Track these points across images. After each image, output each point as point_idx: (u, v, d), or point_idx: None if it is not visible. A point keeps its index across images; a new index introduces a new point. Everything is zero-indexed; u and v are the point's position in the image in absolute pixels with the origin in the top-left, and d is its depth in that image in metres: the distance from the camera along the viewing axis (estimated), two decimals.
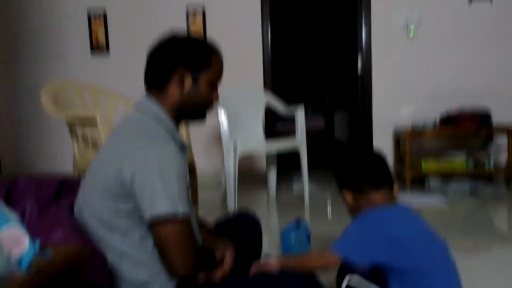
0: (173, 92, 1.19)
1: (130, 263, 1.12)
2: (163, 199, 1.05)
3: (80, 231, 1.13)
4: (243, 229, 1.52)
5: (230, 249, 1.25)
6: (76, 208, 1.22)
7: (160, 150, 1.08)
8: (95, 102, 2.71)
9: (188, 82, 1.19)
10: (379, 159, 1.30)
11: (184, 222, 1.09)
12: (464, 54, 3.88)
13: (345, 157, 1.37)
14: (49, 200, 1.31)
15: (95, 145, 2.46)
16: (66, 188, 1.41)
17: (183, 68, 1.18)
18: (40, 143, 4.37)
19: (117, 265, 1.12)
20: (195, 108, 1.24)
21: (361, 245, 1.16)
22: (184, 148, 1.22)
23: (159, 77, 1.20)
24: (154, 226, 1.07)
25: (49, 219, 1.18)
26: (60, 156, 4.23)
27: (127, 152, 1.09)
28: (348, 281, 1.21)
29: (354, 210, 1.28)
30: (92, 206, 1.14)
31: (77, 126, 2.47)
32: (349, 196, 1.29)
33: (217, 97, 1.27)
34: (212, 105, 1.27)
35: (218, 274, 1.19)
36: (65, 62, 4.25)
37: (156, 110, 1.19)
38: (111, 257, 1.12)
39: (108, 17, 4.17)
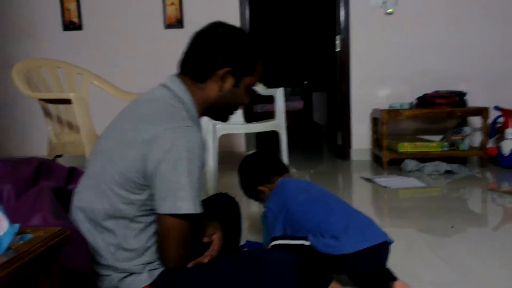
0: (211, 89, 1.16)
1: (127, 253, 1.10)
2: (186, 197, 1.02)
3: (60, 215, 1.10)
4: (221, 210, 1.51)
5: (219, 233, 1.25)
6: (78, 192, 1.16)
7: (188, 139, 1.03)
8: (70, 80, 2.63)
9: (229, 84, 1.17)
10: (273, 155, 1.72)
11: (195, 221, 1.07)
12: (441, 36, 3.92)
13: (249, 165, 1.68)
14: (26, 184, 1.26)
15: (70, 126, 2.39)
16: (44, 171, 1.36)
17: (229, 71, 1.15)
18: (12, 124, 4.24)
19: (111, 253, 1.10)
20: (225, 109, 1.23)
21: (277, 223, 1.46)
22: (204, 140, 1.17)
23: (200, 71, 1.15)
24: (166, 217, 1.04)
25: (28, 203, 1.14)
26: (33, 137, 4.13)
27: (153, 136, 1.03)
28: (274, 243, 1.41)
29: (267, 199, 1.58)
30: (102, 192, 1.08)
31: (52, 107, 2.39)
32: (266, 189, 1.61)
33: (248, 100, 1.24)
34: (240, 108, 1.25)
35: (206, 258, 1.17)
36: (37, 39, 4.11)
37: (185, 96, 1.14)
38: (107, 243, 1.09)
39: None
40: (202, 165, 1.07)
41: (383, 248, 1.34)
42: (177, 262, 1.09)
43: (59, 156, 2.36)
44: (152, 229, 1.11)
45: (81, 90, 2.61)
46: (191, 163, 1.02)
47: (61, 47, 4.07)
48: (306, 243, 1.35)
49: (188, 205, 1.02)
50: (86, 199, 1.13)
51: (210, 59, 1.13)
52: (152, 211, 1.09)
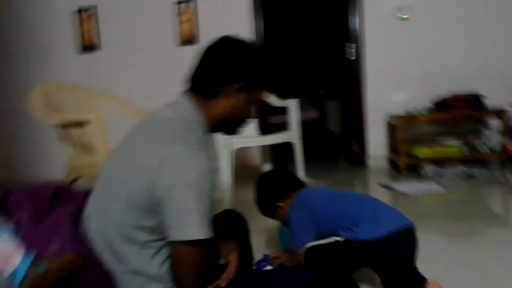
0: (223, 105, 1.13)
1: (142, 278, 1.09)
2: (195, 223, 1.00)
3: (78, 240, 1.11)
4: (229, 228, 1.49)
5: (235, 253, 1.24)
6: (88, 212, 1.16)
7: (195, 163, 1.02)
8: (85, 103, 2.68)
9: (241, 99, 1.14)
10: (289, 171, 1.78)
11: (207, 246, 1.05)
12: (455, 37, 3.87)
13: (266, 182, 1.71)
14: (44, 209, 1.28)
15: (87, 149, 2.43)
16: (61, 195, 1.38)
17: (242, 86, 1.12)
18: (29, 148, 4.33)
19: (129, 280, 1.09)
20: (236, 124, 1.21)
21: (307, 230, 1.48)
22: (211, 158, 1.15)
23: (212, 87, 1.12)
24: (177, 245, 1.03)
25: (46, 228, 1.15)
26: (50, 161, 4.19)
27: (166, 160, 1.00)
28: (307, 246, 1.42)
29: (287, 213, 1.61)
30: (112, 216, 1.07)
31: (70, 129, 2.44)
32: (285, 204, 1.62)
33: (258, 114, 1.24)
34: (247, 121, 1.23)
35: (224, 281, 1.17)
36: (55, 62, 4.20)
37: (191, 115, 1.12)
38: (123, 270, 1.09)
39: (99, 14, 4.13)
40: (212, 188, 1.05)
41: (414, 233, 1.42)
42: (193, 287, 1.07)
43: (76, 179, 2.39)
44: (165, 253, 1.10)
45: (97, 111, 2.66)
46: (199, 188, 1.01)
47: (77, 69, 4.15)
48: (340, 238, 1.39)
49: (198, 231, 1.01)
50: (96, 224, 1.12)
51: (222, 75, 1.11)
52: (163, 237, 1.07)
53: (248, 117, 1.21)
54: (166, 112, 1.14)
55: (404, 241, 1.39)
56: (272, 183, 1.70)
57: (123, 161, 1.10)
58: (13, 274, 0.68)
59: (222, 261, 1.23)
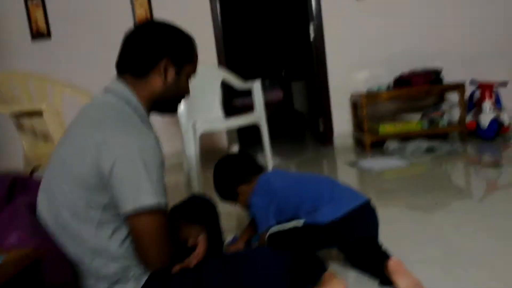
0: (155, 82, 1.15)
1: (102, 258, 1.07)
2: (147, 190, 1.00)
3: (37, 232, 1.07)
4: (198, 212, 1.50)
5: (203, 235, 1.24)
6: (39, 206, 1.13)
7: (140, 137, 1.04)
8: (41, 92, 2.57)
9: (171, 74, 1.17)
10: (248, 155, 1.75)
11: (163, 214, 1.05)
12: (415, 16, 3.94)
13: (226, 167, 1.68)
14: (1, 201, 1.23)
15: (45, 138, 2.34)
16: (19, 186, 1.33)
17: (168, 60, 1.15)
18: None
19: (88, 261, 1.07)
20: (172, 100, 1.23)
21: (269, 215, 1.49)
22: (158, 139, 1.16)
23: (140, 66, 1.14)
24: (134, 217, 1.02)
25: (3, 221, 1.10)
26: (7, 152, 4.03)
27: (104, 139, 1.01)
28: (270, 232, 1.44)
29: (248, 197, 1.59)
30: (63, 198, 1.06)
31: (24, 120, 2.34)
32: (246, 189, 1.61)
33: (189, 91, 1.26)
34: (184, 98, 1.26)
35: (193, 260, 1.16)
36: (5, 52, 4.00)
37: (130, 97, 1.14)
38: (81, 252, 1.07)
39: (46, 0, 3.94)
40: (161, 163, 1.06)
41: (372, 208, 1.46)
42: (158, 263, 1.06)
43: (35, 170, 2.31)
44: (123, 232, 1.08)
45: (53, 100, 2.56)
46: (143, 160, 1.01)
47: (30, 58, 3.97)
48: (299, 223, 1.41)
49: (152, 196, 1.01)
50: (47, 210, 1.10)
51: (149, 52, 1.14)
52: (117, 216, 1.06)
53: (183, 93, 1.23)
54: (106, 97, 1.15)
55: (363, 218, 1.43)
56: (231, 168, 1.67)
57: (66, 147, 1.10)
58: None
59: (191, 242, 1.22)
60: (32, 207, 1.20)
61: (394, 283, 1.30)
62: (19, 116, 2.30)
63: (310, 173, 1.69)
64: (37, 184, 1.38)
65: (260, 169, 1.68)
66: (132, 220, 1.03)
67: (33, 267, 0.74)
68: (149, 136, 1.06)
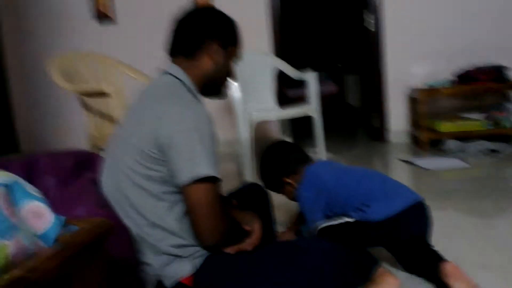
0: (205, 63, 1.22)
1: (161, 231, 1.12)
2: (203, 160, 1.05)
3: (103, 205, 1.12)
4: (251, 200, 1.52)
5: (258, 222, 1.26)
6: (102, 177, 1.20)
7: (195, 111, 1.09)
8: (105, 73, 2.68)
9: (220, 56, 1.23)
10: (295, 145, 1.68)
11: (218, 187, 1.10)
12: (478, 9, 3.73)
13: (272, 157, 1.61)
14: (69, 175, 1.30)
15: (109, 119, 2.44)
16: (86, 162, 1.40)
17: (217, 42, 1.22)
18: (53, 118, 4.38)
19: (148, 231, 1.12)
20: (220, 82, 1.29)
21: (317, 209, 1.45)
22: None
23: (192, 47, 1.21)
24: (189, 188, 1.06)
25: (71, 194, 1.17)
26: (73, 130, 4.24)
27: (162, 113, 1.08)
28: (320, 226, 1.41)
29: (295, 190, 1.55)
30: (125, 170, 1.12)
31: (90, 99, 2.45)
32: (292, 180, 1.55)
33: (235, 74, 1.31)
34: (229, 81, 1.32)
35: (249, 246, 1.18)
36: (71, 34, 4.20)
37: (184, 78, 1.20)
38: (141, 222, 1.11)
39: None
40: (212, 135, 1.10)
41: (425, 208, 1.40)
42: (212, 237, 1.09)
43: (101, 148, 2.42)
44: (180, 208, 1.12)
45: (117, 82, 2.66)
46: (202, 133, 1.06)
47: (96, 41, 4.14)
48: (350, 219, 1.37)
49: (207, 168, 1.05)
50: (110, 184, 1.16)
51: (199, 34, 1.21)
52: (176, 189, 1.10)
53: (229, 75, 1.30)
54: (163, 78, 1.22)
55: (415, 218, 1.37)
56: (279, 158, 1.61)
57: (127, 122, 1.18)
58: (45, 234, 0.68)
59: (247, 228, 1.24)
60: (97, 183, 1.26)
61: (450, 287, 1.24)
62: (84, 96, 2.41)
63: (360, 167, 1.61)
64: (102, 161, 1.45)
65: (308, 159, 1.61)
66: (187, 190, 1.06)
67: (101, 238, 0.78)
68: (202, 109, 1.12)
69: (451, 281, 1.24)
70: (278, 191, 1.64)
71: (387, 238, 1.37)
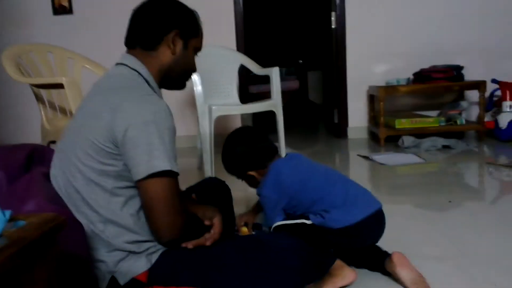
0: (164, 55, 1.19)
1: (115, 227, 1.08)
2: (160, 155, 1.02)
3: (55, 200, 1.08)
4: (212, 195, 1.51)
5: (218, 216, 1.24)
6: (53, 171, 1.15)
7: (153, 103, 1.06)
8: (61, 65, 2.58)
9: (179, 47, 1.20)
10: (261, 134, 1.55)
11: (176, 181, 1.07)
12: (438, 11, 3.87)
13: (237, 148, 1.52)
14: (19, 170, 1.24)
15: (63, 111, 2.36)
16: (36, 156, 1.34)
17: (177, 33, 1.18)
18: (5, 111, 4.19)
19: (101, 228, 1.08)
20: (180, 74, 1.24)
21: (278, 210, 1.43)
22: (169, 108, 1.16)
23: (150, 38, 1.17)
24: (146, 182, 1.02)
25: (20, 189, 1.12)
26: (27, 124, 4.09)
27: (118, 104, 1.04)
28: (276, 224, 1.41)
29: (259, 182, 1.50)
30: (77, 164, 1.07)
31: (43, 92, 2.35)
32: (254, 174, 1.51)
33: (195, 67, 1.28)
34: (191, 74, 1.28)
35: (208, 240, 1.17)
36: (27, 25, 4.03)
37: (141, 69, 1.16)
38: (95, 218, 1.08)
39: None
40: (173, 129, 1.08)
41: (382, 215, 1.40)
42: (170, 232, 1.07)
43: (53, 142, 2.33)
44: (135, 203, 1.10)
45: (73, 74, 2.57)
46: (159, 126, 1.03)
47: (52, 32, 3.99)
48: (307, 221, 1.36)
49: (164, 162, 1.02)
50: (60, 179, 1.11)
51: (156, 25, 1.16)
52: (131, 184, 1.07)
53: (190, 67, 1.25)
54: (118, 69, 1.17)
55: (371, 227, 1.37)
56: (244, 150, 1.50)
57: (81, 115, 1.13)
58: None
59: (207, 222, 1.22)
60: (49, 177, 1.21)
61: (397, 276, 1.28)
62: (39, 88, 2.31)
63: (324, 167, 1.53)
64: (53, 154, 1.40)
65: (273, 152, 1.53)
66: (143, 185, 1.03)
67: (51, 233, 0.75)
68: (161, 102, 1.08)
69: (398, 269, 1.28)
70: (240, 178, 1.59)
71: (341, 245, 1.38)
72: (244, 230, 1.59)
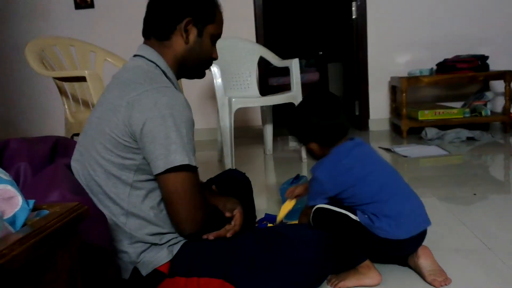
0: (177, 44, 1.16)
1: (137, 219, 1.09)
2: (178, 149, 1.01)
3: (78, 191, 1.09)
4: (233, 187, 1.50)
5: (239, 208, 1.24)
6: (73, 164, 1.16)
7: (170, 97, 1.04)
8: (83, 58, 2.62)
9: (193, 35, 1.16)
10: (338, 104, 1.38)
11: (195, 175, 1.06)
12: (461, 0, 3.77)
13: (310, 114, 1.38)
14: (43, 161, 1.26)
15: (86, 104, 2.39)
16: (60, 148, 1.36)
17: (189, 21, 1.14)
18: (29, 104, 4.28)
19: (123, 220, 1.09)
20: (196, 63, 1.21)
21: (323, 197, 1.33)
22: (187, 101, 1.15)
23: (163, 28, 1.15)
24: (165, 177, 1.03)
25: (44, 180, 1.13)
26: (51, 117, 4.17)
27: (135, 98, 1.03)
28: (318, 206, 1.32)
29: (320, 156, 1.39)
30: (98, 158, 1.08)
31: (66, 85, 2.39)
32: (316, 147, 1.39)
33: (216, 54, 1.24)
34: (211, 62, 1.25)
35: (229, 232, 1.17)
36: (49, 19, 4.09)
37: (158, 60, 1.15)
38: (117, 211, 1.09)
39: None
40: (191, 121, 1.06)
41: (426, 231, 1.33)
42: (190, 226, 1.07)
43: (77, 134, 2.37)
44: (156, 195, 1.10)
45: (94, 67, 2.60)
46: (177, 119, 1.02)
47: (73, 26, 4.05)
48: (353, 217, 1.28)
49: (182, 156, 1.01)
50: (81, 173, 1.12)
51: (168, 13, 1.14)
52: (151, 177, 1.07)
53: (207, 55, 1.22)
54: (135, 61, 1.16)
55: (414, 243, 1.30)
56: (317, 124, 1.35)
57: (100, 108, 1.12)
58: (14, 217, 0.66)
59: (227, 214, 1.22)
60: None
61: (418, 267, 1.27)
62: (62, 81, 2.35)
63: (390, 169, 1.42)
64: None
65: (343, 135, 1.38)
66: (163, 179, 1.04)
67: (74, 222, 0.76)
68: (178, 95, 1.07)
69: (420, 260, 1.27)
70: (300, 143, 1.52)
71: (378, 251, 1.32)
72: (292, 202, 1.53)
